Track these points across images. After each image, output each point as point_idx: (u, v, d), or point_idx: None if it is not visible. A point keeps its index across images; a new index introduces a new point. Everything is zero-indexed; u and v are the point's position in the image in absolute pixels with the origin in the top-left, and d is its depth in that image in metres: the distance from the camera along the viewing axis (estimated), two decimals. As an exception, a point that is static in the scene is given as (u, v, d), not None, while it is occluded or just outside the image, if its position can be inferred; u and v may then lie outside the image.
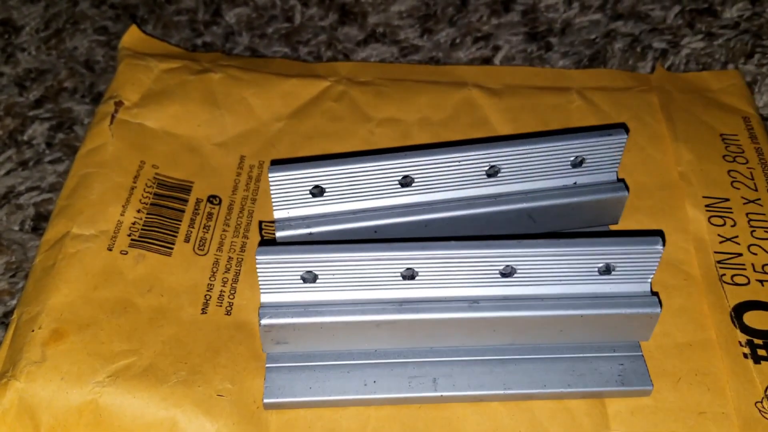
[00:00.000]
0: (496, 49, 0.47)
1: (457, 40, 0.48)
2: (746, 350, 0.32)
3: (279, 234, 0.33)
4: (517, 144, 0.33)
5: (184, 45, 0.47)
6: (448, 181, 0.33)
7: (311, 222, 0.33)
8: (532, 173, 0.34)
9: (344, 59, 0.47)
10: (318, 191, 0.33)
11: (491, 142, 0.33)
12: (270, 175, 0.32)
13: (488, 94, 0.42)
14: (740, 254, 0.35)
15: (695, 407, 0.31)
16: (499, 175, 0.33)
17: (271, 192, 0.32)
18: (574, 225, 0.35)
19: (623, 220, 0.36)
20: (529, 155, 0.33)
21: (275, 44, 0.48)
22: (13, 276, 0.37)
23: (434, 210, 0.33)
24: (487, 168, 0.33)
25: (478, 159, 0.33)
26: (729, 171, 0.38)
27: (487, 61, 0.47)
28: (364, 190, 0.33)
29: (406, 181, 0.33)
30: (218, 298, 0.34)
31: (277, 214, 0.33)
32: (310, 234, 0.33)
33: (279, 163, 0.32)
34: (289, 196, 0.33)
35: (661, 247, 0.29)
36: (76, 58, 0.47)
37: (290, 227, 0.33)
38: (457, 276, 0.30)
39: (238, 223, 0.37)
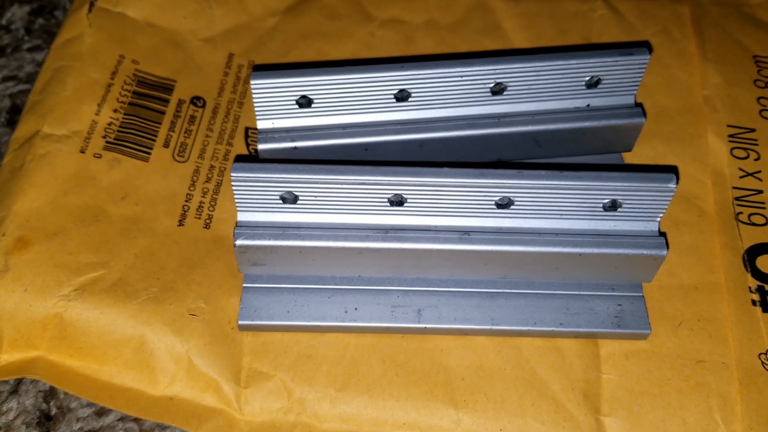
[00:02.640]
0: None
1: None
2: (755, 297, 0.30)
3: (261, 147, 0.30)
4: (527, 60, 0.30)
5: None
6: (448, 97, 0.30)
7: (296, 135, 0.30)
8: (541, 93, 0.31)
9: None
10: (305, 102, 0.30)
11: (498, 56, 0.30)
12: (252, 82, 0.29)
13: (504, -3, 0.38)
14: (761, 191, 0.32)
15: (694, 355, 0.29)
16: (504, 93, 0.30)
17: (254, 101, 0.30)
18: (583, 151, 0.32)
19: (637, 146, 0.33)
20: (539, 72, 0.30)
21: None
22: (-14, 172, 0.36)
23: (431, 128, 0.31)
24: (492, 85, 0.30)
25: (483, 74, 0.30)
26: (759, 98, 0.35)
27: (506, -43, 0.42)
28: (355, 102, 0.30)
29: (402, 96, 0.30)
30: (197, 210, 0.32)
31: (261, 125, 0.30)
32: (295, 148, 0.30)
33: (263, 69, 0.30)
34: (273, 106, 0.30)
35: (675, 185, 0.27)
36: (59, -66, 0.43)
37: (273, 140, 0.30)
38: (448, 204, 0.28)
39: (223, 128, 0.34)
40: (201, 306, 0.29)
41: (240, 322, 0.29)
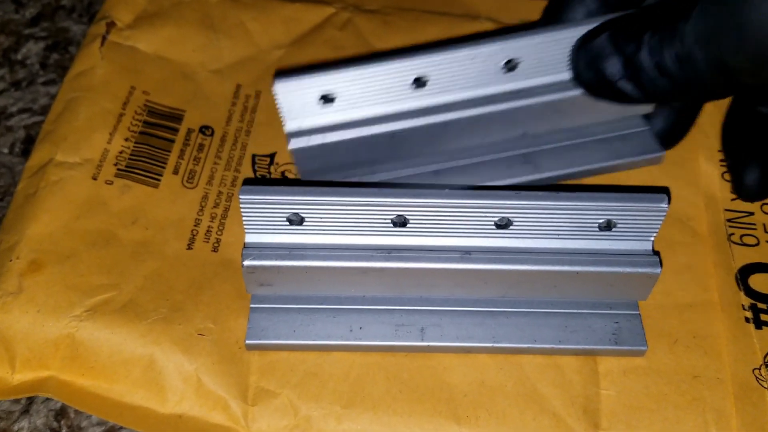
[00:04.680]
0: (514, -21, 0.44)
1: (473, -31, 0.45)
2: (749, 314, 0.31)
3: (292, 145, 0.31)
4: (535, 33, 0.31)
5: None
6: (464, 78, 0.31)
7: (324, 130, 0.31)
8: (553, 64, 0.31)
9: (352, -16, 0.44)
10: (329, 98, 0.31)
11: (506, 33, 0.31)
12: (276, 85, 0.30)
13: (500, 29, 0.39)
14: (752, 213, 0.33)
15: (690, 371, 0.30)
16: (517, 69, 0.31)
17: (279, 104, 0.31)
18: (599, 119, 0.33)
19: (633, 170, 0.34)
20: (549, 46, 0.31)
21: (280, -34, 0.45)
22: (0, 200, 0.37)
23: (452, 109, 0.32)
24: (504, 62, 0.31)
25: (494, 53, 0.31)
26: (748, 124, 0.36)
27: (503, -9, 0.44)
28: (376, 94, 0.31)
29: (420, 83, 0.31)
30: (205, 234, 0.33)
31: (288, 126, 0.31)
32: (324, 143, 0.31)
33: (284, 74, 0.31)
34: (298, 106, 0.31)
35: (667, 206, 0.28)
36: (72, -27, 0.45)
37: (303, 136, 0.31)
38: (449, 225, 0.29)
39: (231, 156, 0.35)
40: (209, 326, 0.30)
41: (247, 342, 0.30)
